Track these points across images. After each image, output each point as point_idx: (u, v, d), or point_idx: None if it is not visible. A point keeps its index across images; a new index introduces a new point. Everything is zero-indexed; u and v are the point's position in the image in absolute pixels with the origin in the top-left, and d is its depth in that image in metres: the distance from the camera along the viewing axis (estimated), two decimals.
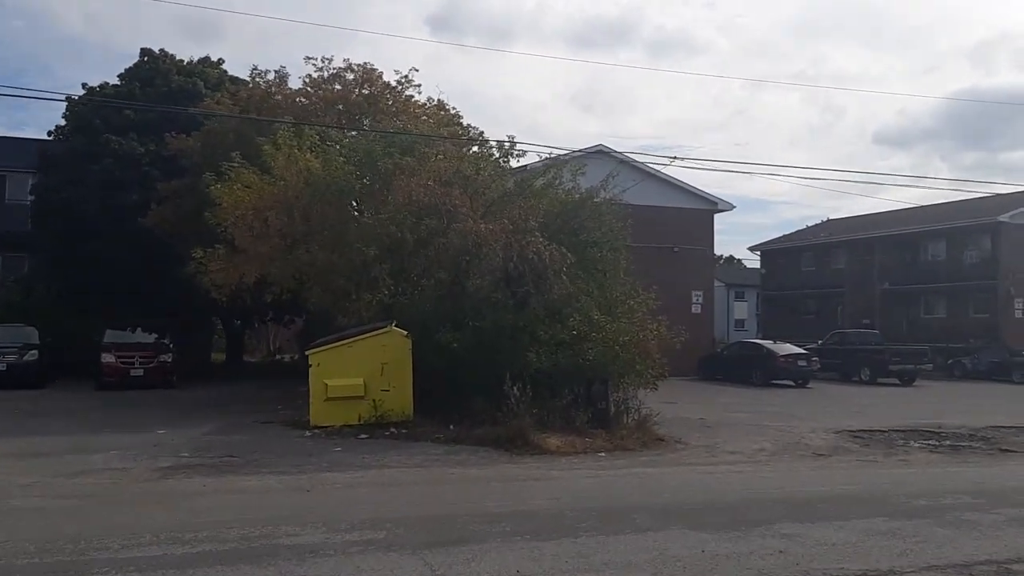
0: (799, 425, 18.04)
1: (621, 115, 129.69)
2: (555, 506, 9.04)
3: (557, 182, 17.63)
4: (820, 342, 35.06)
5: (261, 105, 25.85)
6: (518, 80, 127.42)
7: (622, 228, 17.50)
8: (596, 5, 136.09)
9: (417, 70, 26.42)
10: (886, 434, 17.12)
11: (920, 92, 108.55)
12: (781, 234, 57.65)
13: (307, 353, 16.64)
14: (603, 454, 13.47)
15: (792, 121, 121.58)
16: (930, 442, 16.16)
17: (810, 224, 58.21)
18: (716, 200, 36.41)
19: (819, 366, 30.30)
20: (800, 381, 29.47)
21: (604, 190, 17.46)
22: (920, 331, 41.27)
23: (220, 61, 34.04)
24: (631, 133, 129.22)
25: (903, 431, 17.51)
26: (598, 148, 31.89)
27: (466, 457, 12.86)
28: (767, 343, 31.89)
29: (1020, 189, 39.49)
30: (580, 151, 30.00)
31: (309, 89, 26.30)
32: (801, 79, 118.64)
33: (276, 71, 27.66)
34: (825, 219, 57.88)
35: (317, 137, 20.54)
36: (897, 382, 31.46)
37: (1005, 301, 39.27)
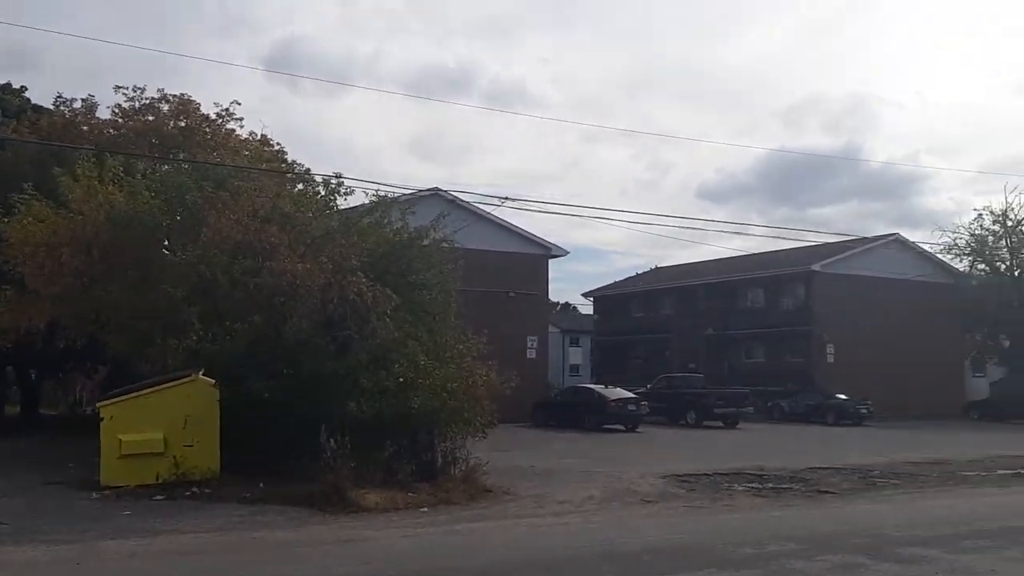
0: (628, 470, 17.84)
1: (459, 164, 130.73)
2: (362, 573, 8.13)
3: (385, 221, 16.85)
4: (648, 386, 35.65)
5: (64, 135, 23.80)
6: (355, 126, 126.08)
7: (452, 270, 16.89)
8: (433, 55, 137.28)
9: (239, 103, 25.04)
10: (711, 478, 17.16)
11: (737, 151, 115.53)
12: (613, 281, 59.07)
13: (99, 405, 14.97)
14: (426, 509, 12.64)
15: (622, 175, 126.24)
16: (754, 485, 16.29)
17: (640, 271, 59.97)
18: (550, 246, 36.68)
19: (648, 410, 30.66)
20: (630, 425, 29.69)
21: (434, 230, 16.83)
22: (741, 375, 42.87)
23: (23, 88, 31.35)
24: (469, 182, 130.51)
25: (728, 474, 17.62)
26: (433, 191, 31.26)
27: (273, 518, 11.70)
28: (598, 388, 32.06)
29: (830, 240, 42.03)
30: (413, 192, 29.47)
31: (119, 119, 24.51)
32: (630, 135, 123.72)
33: (84, 100, 25.69)
34: (654, 267, 59.78)
35: (121, 169, 18.92)
36: (721, 425, 32.29)
37: (818, 346, 41.41)
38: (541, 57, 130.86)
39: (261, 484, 13.70)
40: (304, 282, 13.50)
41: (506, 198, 18.13)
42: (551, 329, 67.90)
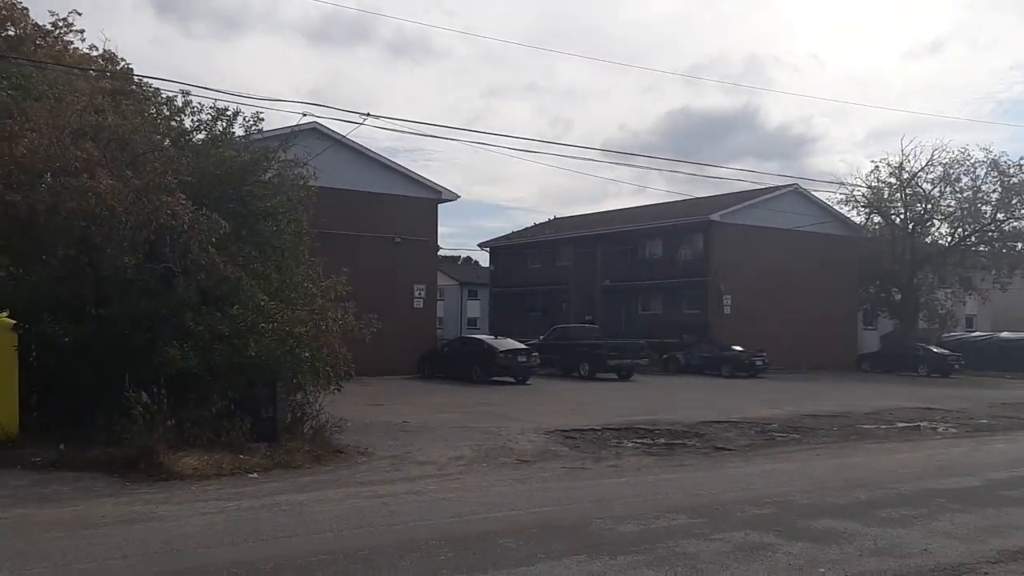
0: (510, 426, 16.10)
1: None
2: (110, 570, 6.01)
3: (228, 138, 14.30)
4: (542, 337, 34.03)
5: None
6: (252, 73, 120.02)
7: (308, 197, 14.54)
8: (335, 2, 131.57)
9: (79, 13, 21.78)
10: (600, 433, 15.59)
11: (641, 109, 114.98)
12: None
13: None
14: (256, 475, 10.54)
15: (526, 129, 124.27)
16: (644, 441, 14.78)
17: (538, 223, 58.19)
18: (440, 189, 34.30)
19: (539, 362, 28.96)
20: (520, 377, 27.98)
21: (284, 152, 14.40)
22: (638, 327, 41.74)
23: None
24: (371, 135, 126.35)
25: (617, 429, 16.09)
26: (311, 125, 28.40)
27: (58, 489, 9.43)
28: (488, 339, 30.18)
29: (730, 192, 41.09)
30: (289, 127, 26.69)
31: None
32: (534, 89, 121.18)
33: None
34: (552, 217, 58.14)
35: None
36: (616, 377, 30.96)
37: (715, 298, 40.52)
38: (447, 9, 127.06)
39: (62, 446, 11.36)
40: (108, 202, 11.01)
41: (367, 114, 15.68)
42: (448, 282, 66.39)
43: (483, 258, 64.48)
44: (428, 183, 34.05)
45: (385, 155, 33.94)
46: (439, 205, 34.80)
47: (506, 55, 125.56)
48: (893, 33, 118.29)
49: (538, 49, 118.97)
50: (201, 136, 14.33)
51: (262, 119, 14.31)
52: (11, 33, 21.29)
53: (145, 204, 11.07)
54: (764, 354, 34.72)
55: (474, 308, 65.91)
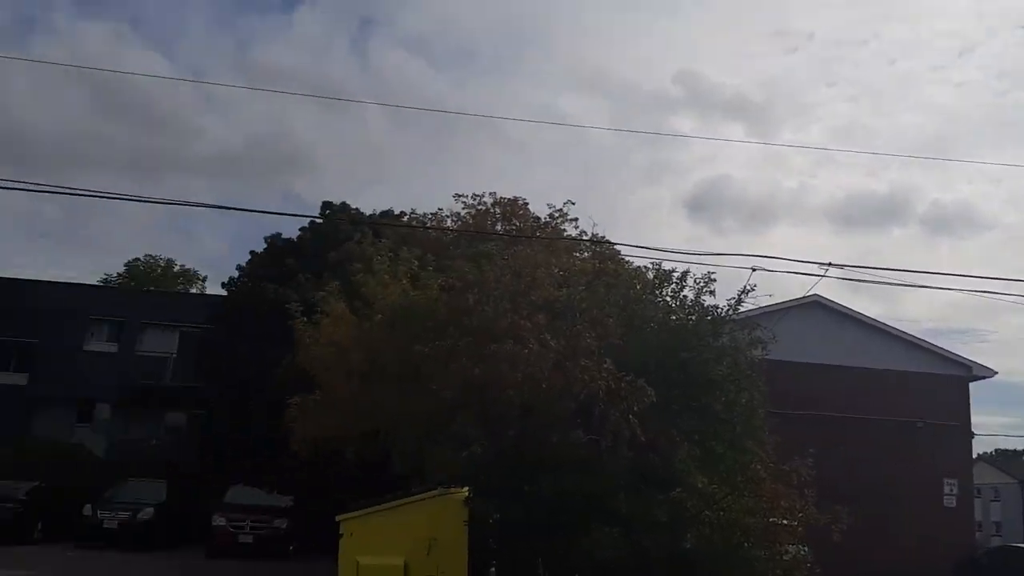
0: None
1: (896, 298, 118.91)
2: None
3: (681, 294, 12.98)
4: None
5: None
6: (779, 262, 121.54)
7: (759, 365, 12.49)
8: (861, 184, 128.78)
9: (573, 203, 23.10)
10: None
11: None
12: None
13: (339, 519, 12.90)
14: None
15: None
16: None
17: None
18: (969, 364, 29.07)
19: None
20: None
21: (734, 312, 12.57)
22: None
23: (402, 214, 33.22)
24: (915, 316, 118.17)
25: None
26: (812, 298, 26.31)
27: None
28: None
29: None
30: (785, 300, 25.01)
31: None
32: None
33: (433, 213, 25.80)
34: None
35: (416, 262, 17.54)
36: None
37: None
38: (992, 177, 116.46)
39: None
40: (531, 370, 10.30)
41: (830, 264, 13.24)
42: (1005, 479, 56.20)
43: None
44: (953, 357, 29.07)
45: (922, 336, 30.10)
46: (972, 384, 29.41)
47: None
48: None
49: None
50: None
51: (714, 279, 12.85)
52: (514, 226, 23.29)
53: (566, 370, 10.18)
54: None
55: None
